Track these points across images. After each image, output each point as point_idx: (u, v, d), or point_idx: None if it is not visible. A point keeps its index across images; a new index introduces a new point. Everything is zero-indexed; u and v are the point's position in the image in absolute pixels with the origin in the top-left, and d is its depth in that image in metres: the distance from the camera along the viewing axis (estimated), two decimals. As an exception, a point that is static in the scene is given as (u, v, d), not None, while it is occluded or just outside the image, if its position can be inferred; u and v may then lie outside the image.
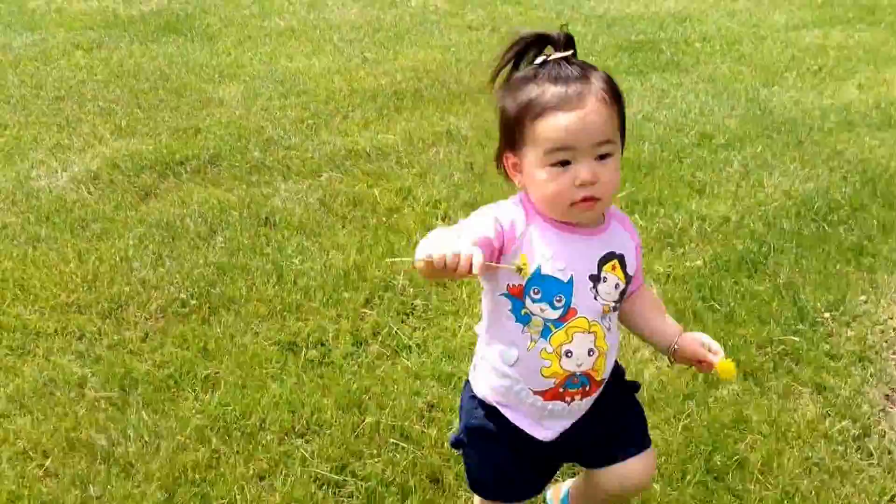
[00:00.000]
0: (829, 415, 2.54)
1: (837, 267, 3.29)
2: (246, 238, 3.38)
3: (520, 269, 1.54)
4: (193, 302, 2.96)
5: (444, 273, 1.40)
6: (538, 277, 1.57)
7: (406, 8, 7.43)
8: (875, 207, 3.75)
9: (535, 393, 1.66)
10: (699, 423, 2.47)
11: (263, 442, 2.35)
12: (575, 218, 1.59)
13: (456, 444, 1.81)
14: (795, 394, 2.63)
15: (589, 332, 1.63)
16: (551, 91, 1.53)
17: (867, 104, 5.11)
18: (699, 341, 1.72)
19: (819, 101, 5.19)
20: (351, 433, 2.39)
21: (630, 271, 1.68)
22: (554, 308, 1.60)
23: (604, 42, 6.39)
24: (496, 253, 1.55)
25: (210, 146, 4.27)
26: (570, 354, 1.62)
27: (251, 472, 2.24)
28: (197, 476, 2.22)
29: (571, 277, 1.60)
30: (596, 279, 1.63)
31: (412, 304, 3.02)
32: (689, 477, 2.27)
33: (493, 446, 1.75)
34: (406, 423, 2.44)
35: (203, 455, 2.28)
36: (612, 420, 1.76)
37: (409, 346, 2.79)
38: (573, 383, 1.65)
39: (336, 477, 2.24)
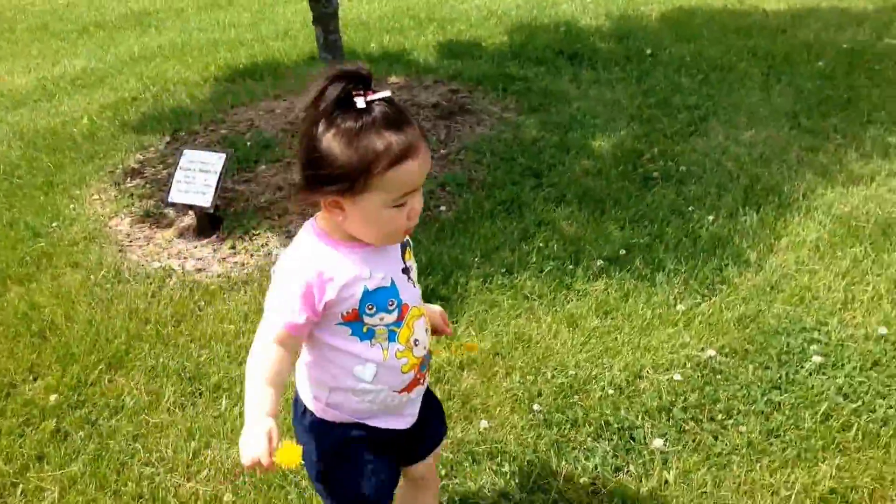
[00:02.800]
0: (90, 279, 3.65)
1: (42, 199, 4.34)
2: None
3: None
4: None
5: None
6: (368, 295, 1.67)
7: None
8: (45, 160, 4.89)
9: (399, 392, 1.78)
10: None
11: None
12: (400, 241, 1.75)
13: (320, 477, 1.82)
14: (67, 272, 3.67)
15: (420, 317, 1.79)
16: (395, 140, 1.56)
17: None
18: (439, 314, 2.00)
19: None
20: None
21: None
22: (390, 312, 1.71)
23: None
24: (317, 317, 1.66)
25: None
26: (417, 343, 1.77)
27: None
28: None
29: (392, 280, 1.72)
30: (406, 271, 1.77)
31: None
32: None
33: (363, 454, 1.82)
34: None
35: None
36: (426, 405, 1.92)
37: None
38: (424, 364, 1.82)
39: None
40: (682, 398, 2.62)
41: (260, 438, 1.51)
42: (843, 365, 2.73)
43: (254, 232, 3.84)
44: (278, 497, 2.36)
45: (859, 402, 2.57)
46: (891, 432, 2.45)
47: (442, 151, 4.45)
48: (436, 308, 2.00)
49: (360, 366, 1.72)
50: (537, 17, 7.14)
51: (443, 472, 2.39)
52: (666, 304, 3.09)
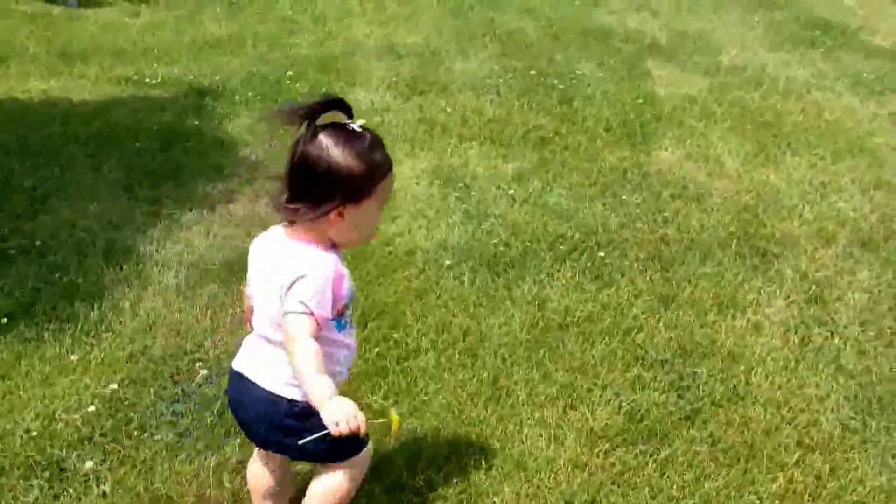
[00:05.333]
0: None
1: None
2: None
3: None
4: None
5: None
6: (352, 290, 2.08)
7: None
8: None
9: (348, 369, 2.20)
10: None
11: None
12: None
13: (330, 447, 2.03)
14: None
15: None
16: (386, 156, 2.02)
17: None
18: None
19: None
20: None
21: None
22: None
23: None
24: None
25: None
26: (354, 326, 2.20)
27: None
28: None
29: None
30: None
31: None
32: None
33: None
34: None
35: None
36: None
37: None
38: None
39: None
40: (100, 427, 2.89)
41: (355, 409, 1.85)
42: (224, 372, 3.27)
43: None
44: None
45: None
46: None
47: None
48: None
49: (340, 352, 2.08)
50: None
51: None
52: (60, 357, 3.29)
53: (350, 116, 1.99)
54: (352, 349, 2.18)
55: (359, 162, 1.95)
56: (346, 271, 2.05)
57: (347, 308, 2.09)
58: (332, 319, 2.04)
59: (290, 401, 2.08)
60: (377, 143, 2.02)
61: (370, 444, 2.35)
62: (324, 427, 2.03)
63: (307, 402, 2.01)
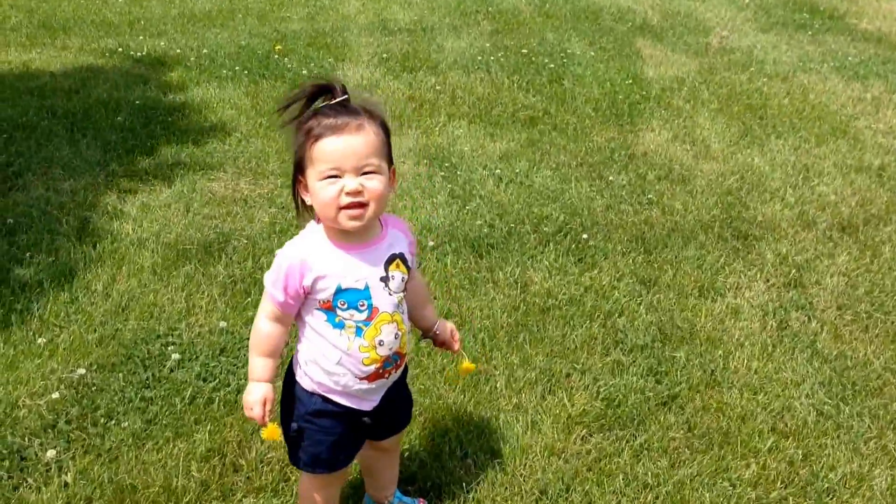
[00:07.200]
0: None
1: None
2: None
3: None
4: None
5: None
6: (340, 292, 1.94)
7: None
8: None
9: (361, 379, 2.04)
10: None
11: None
12: (346, 223, 1.90)
13: (296, 432, 2.11)
14: None
15: (392, 322, 2.03)
16: (323, 122, 1.86)
17: None
18: (450, 331, 2.31)
19: None
20: None
21: (410, 264, 2.08)
22: (360, 311, 1.98)
23: None
24: (299, 303, 1.99)
25: None
26: (382, 343, 2.03)
27: None
28: None
29: (367, 284, 1.97)
30: (385, 279, 2.00)
31: None
32: None
33: (331, 423, 2.10)
34: None
35: None
36: (398, 398, 2.24)
37: None
38: (389, 363, 2.07)
39: None
40: (65, 413, 2.85)
41: (256, 402, 2.00)
42: (197, 357, 3.23)
43: None
44: None
45: (216, 382, 3.10)
46: (245, 397, 3.04)
47: None
48: (447, 324, 2.32)
49: (329, 349, 2.00)
50: None
51: None
52: (27, 340, 3.24)
53: (342, 94, 1.93)
54: (348, 355, 2.02)
55: (297, 132, 1.94)
56: (328, 268, 1.94)
57: (340, 309, 1.97)
58: (320, 310, 1.99)
59: (292, 371, 2.15)
60: (324, 114, 1.90)
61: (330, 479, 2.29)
62: (286, 420, 2.16)
63: (298, 382, 2.13)
